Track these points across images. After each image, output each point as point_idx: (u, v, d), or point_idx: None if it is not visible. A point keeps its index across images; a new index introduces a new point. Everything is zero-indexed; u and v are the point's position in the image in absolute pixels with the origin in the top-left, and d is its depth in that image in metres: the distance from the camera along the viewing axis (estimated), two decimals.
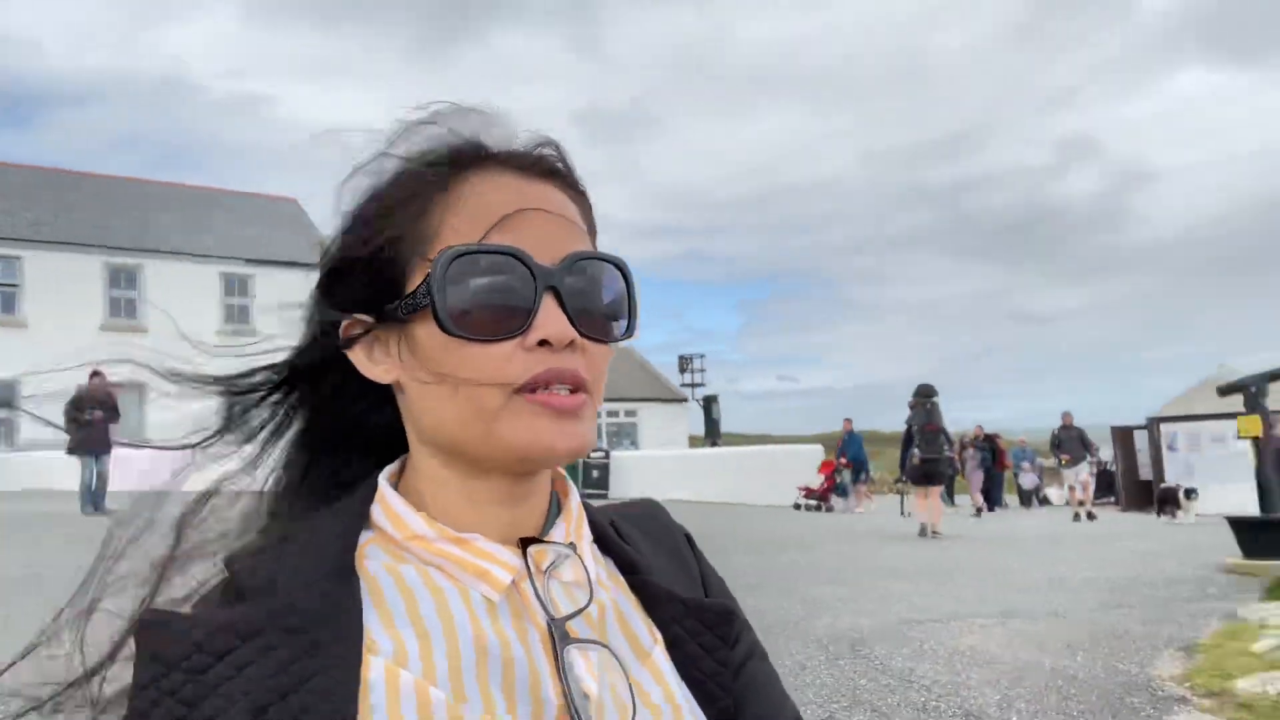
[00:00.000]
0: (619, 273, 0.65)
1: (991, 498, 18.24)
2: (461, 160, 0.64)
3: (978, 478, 15.86)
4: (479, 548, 0.62)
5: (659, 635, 0.67)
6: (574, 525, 0.68)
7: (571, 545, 0.65)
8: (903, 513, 14.30)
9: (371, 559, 0.62)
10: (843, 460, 16.74)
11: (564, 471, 0.71)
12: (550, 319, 0.59)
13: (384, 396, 0.67)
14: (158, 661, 0.54)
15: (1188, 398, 20.01)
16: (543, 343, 0.59)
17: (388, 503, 0.64)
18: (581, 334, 0.61)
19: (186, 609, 0.63)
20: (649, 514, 0.80)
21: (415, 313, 0.61)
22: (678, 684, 0.64)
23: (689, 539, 0.80)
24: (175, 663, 0.53)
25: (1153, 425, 18.23)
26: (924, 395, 12.28)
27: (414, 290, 0.61)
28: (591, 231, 0.69)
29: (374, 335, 0.64)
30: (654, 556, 0.73)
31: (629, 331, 0.66)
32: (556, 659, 0.59)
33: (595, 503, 0.74)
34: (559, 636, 0.60)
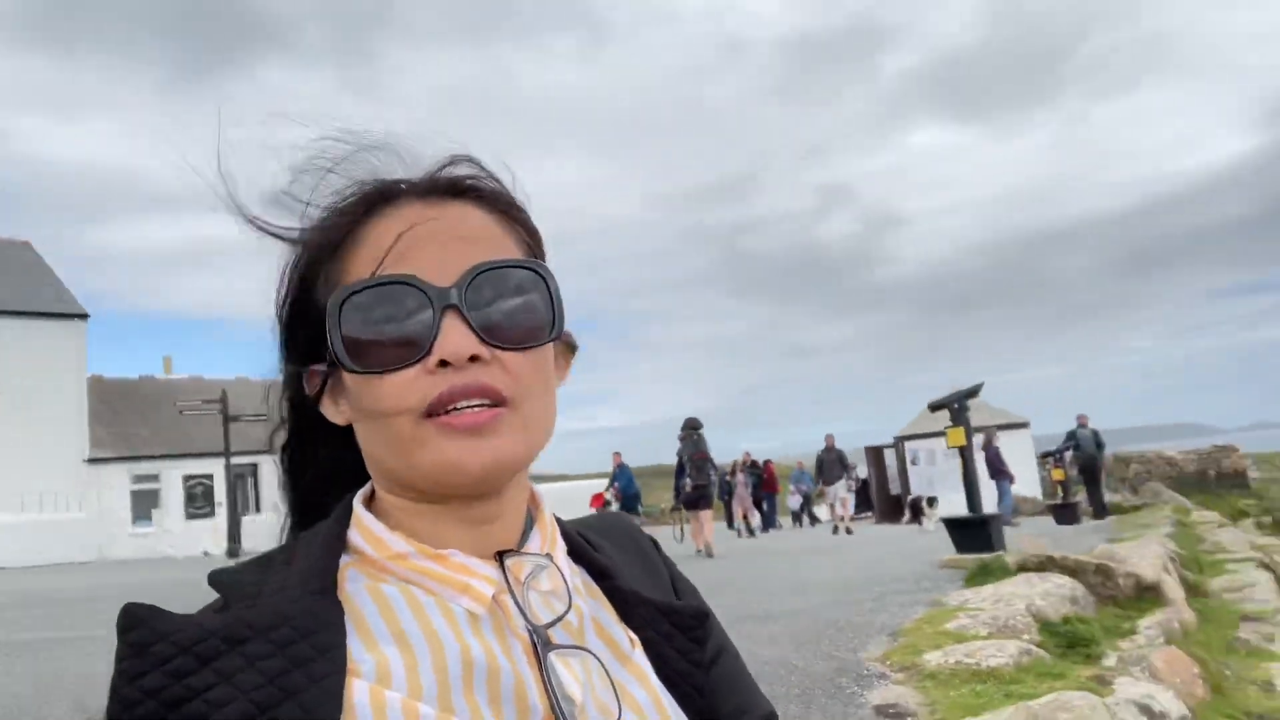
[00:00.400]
0: (535, 275, 0.64)
1: (767, 518, 19.42)
2: (367, 200, 0.65)
3: (748, 501, 16.85)
4: (458, 563, 0.62)
5: (636, 639, 0.68)
6: (549, 537, 0.68)
7: (548, 556, 0.65)
8: (677, 537, 14.97)
9: (351, 582, 0.61)
10: (612, 492, 17.24)
11: (532, 484, 0.70)
12: (448, 338, 0.59)
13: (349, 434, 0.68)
14: (139, 658, 0.53)
15: (927, 417, 22.36)
16: (444, 363, 0.59)
17: (364, 525, 0.64)
18: (492, 345, 0.60)
19: None
20: (614, 523, 0.82)
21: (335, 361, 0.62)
22: (659, 684, 0.65)
23: (655, 544, 0.81)
24: (158, 662, 0.52)
25: (898, 444, 20.26)
26: (691, 428, 13.10)
27: (327, 334, 0.62)
28: (523, 237, 0.68)
29: (333, 381, 0.65)
30: (624, 563, 0.74)
31: (553, 333, 0.64)
32: (540, 667, 0.60)
33: None
34: (541, 644, 0.61)
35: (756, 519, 18.31)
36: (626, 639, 0.67)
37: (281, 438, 0.73)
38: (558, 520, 0.73)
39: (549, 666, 0.60)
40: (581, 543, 0.72)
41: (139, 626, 0.54)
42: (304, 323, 0.66)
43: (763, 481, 19.47)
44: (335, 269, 0.64)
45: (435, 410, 0.59)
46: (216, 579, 0.62)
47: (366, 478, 0.68)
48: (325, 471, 0.72)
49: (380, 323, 0.60)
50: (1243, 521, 17.57)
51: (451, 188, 0.67)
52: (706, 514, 12.93)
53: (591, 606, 0.67)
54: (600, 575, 0.71)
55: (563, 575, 0.65)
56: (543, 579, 0.64)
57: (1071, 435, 15.94)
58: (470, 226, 0.65)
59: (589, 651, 0.63)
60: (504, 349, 0.61)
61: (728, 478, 14.58)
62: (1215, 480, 20.51)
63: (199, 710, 0.51)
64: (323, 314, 0.62)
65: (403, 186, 0.67)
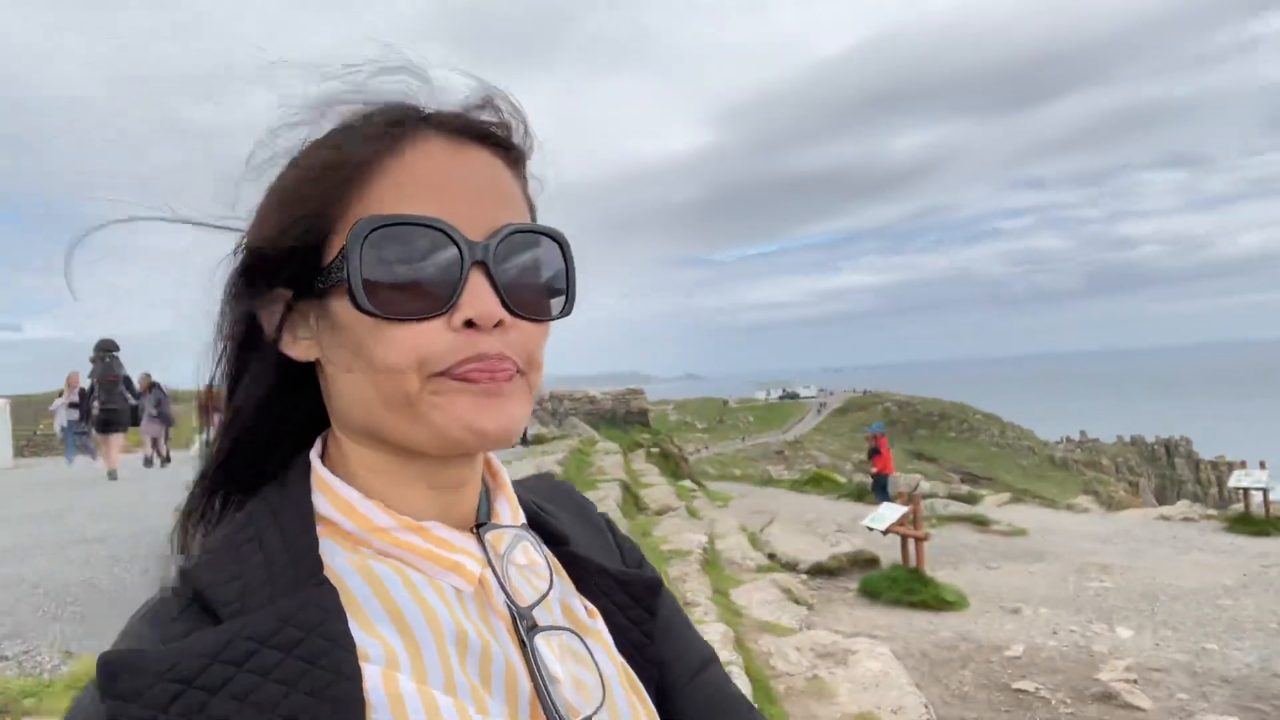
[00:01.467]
0: (557, 246, 0.62)
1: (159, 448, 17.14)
2: (391, 125, 0.59)
3: (154, 427, 15.18)
4: (439, 536, 0.60)
5: (594, 608, 0.67)
6: (515, 506, 0.66)
7: (524, 528, 0.65)
8: (70, 460, 13.93)
9: (331, 557, 0.58)
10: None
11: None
12: (477, 297, 0.56)
13: (303, 375, 0.63)
14: (139, 709, 0.46)
15: None
16: (469, 323, 0.56)
17: (338, 493, 0.60)
18: (513, 312, 0.58)
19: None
20: (558, 488, 0.79)
21: (333, 287, 0.57)
22: (617, 653, 0.65)
23: (594, 505, 0.80)
24: (162, 705, 0.47)
25: None
26: (104, 350, 11.95)
27: (331, 263, 0.57)
28: (528, 197, 0.65)
29: (295, 311, 0.60)
30: (574, 528, 0.73)
31: (567, 308, 0.62)
32: (523, 647, 0.59)
33: None
34: (527, 626, 0.60)
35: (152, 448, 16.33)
36: (584, 608, 0.67)
37: (208, 375, 0.64)
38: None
39: (535, 648, 0.59)
40: (535, 508, 0.72)
41: (123, 673, 0.47)
42: (284, 240, 0.59)
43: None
44: (346, 195, 0.58)
45: (452, 368, 0.56)
46: (192, 580, 0.55)
47: (311, 429, 0.65)
48: (268, 420, 0.64)
49: (402, 265, 0.56)
50: (636, 451, 21.28)
51: (485, 133, 0.63)
52: (116, 438, 11.96)
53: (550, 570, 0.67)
54: (555, 542, 0.70)
55: (541, 549, 0.65)
56: (519, 552, 0.64)
57: None
58: (499, 180, 0.61)
59: (571, 631, 0.62)
60: (524, 318, 0.59)
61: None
62: (624, 417, 24.75)
63: None
64: (316, 240, 0.58)
65: (428, 114, 0.61)
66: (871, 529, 9.33)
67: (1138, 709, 6.28)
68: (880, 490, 16.38)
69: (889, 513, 9.23)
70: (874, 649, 6.06)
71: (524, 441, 17.51)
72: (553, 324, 0.63)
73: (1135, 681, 6.75)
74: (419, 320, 0.56)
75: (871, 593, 9.21)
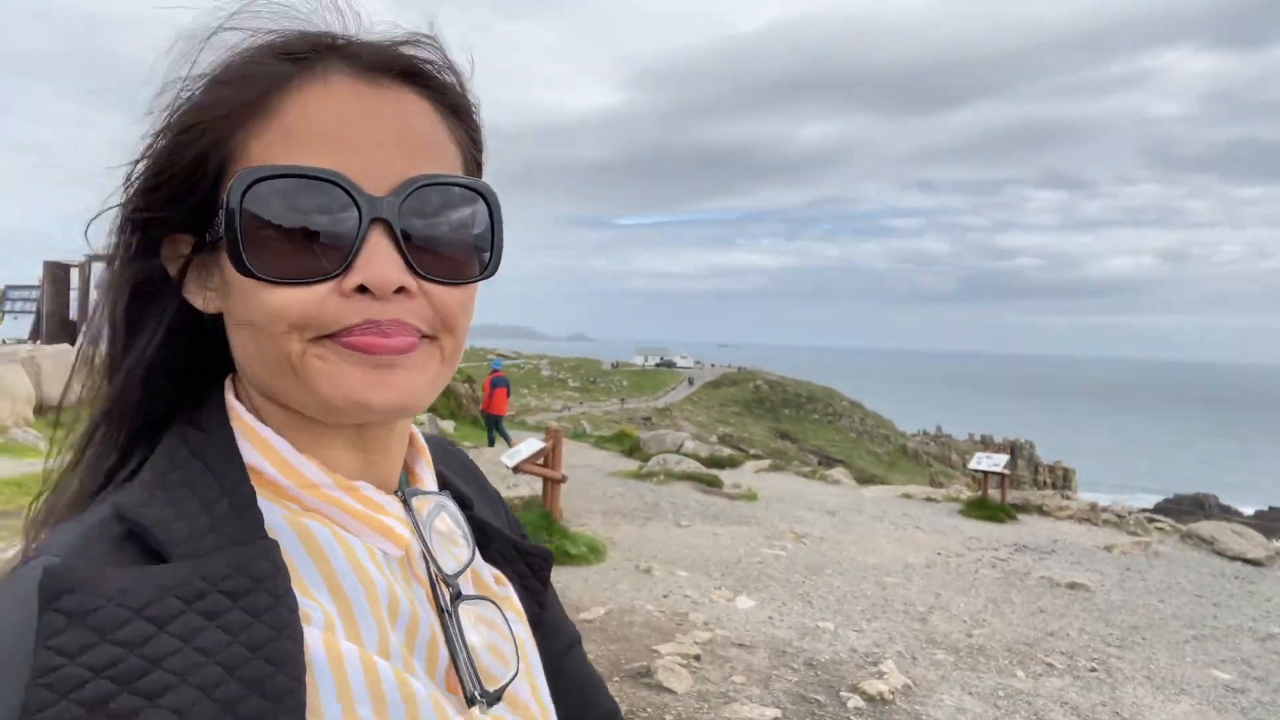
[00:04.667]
0: (482, 200, 0.57)
1: None
2: (294, 54, 0.54)
3: None
4: (370, 497, 0.58)
5: (501, 575, 0.68)
6: (433, 470, 0.66)
7: (446, 494, 0.64)
8: None
9: (267, 512, 0.55)
10: None
11: None
12: (375, 260, 0.52)
13: (211, 322, 0.59)
14: (80, 628, 0.43)
15: None
16: (362, 289, 0.52)
17: (267, 441, 0.57)
18: (421, 276, 0.54)
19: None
20: (450, 452, 0.77)
21: (220, 241, 0.53)
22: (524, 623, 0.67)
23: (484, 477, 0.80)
24: (104, 631, 0.44)
25: (87, 263, 17.98)
26: None
27: (215, 219, 0.53)
28: (467, 148, 0.60)
29: (198, 259, 0.56)
30: (475, 494, 0.73)
31: (489, 269, 0.58)
32: (442, 614, 0.59)
33: None
34: (452, 594, 0.60)
35: None
36: (492, 576, 0.67)
37: (100, 321, 0.59)
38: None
39: (458, 617, 0.59)
40: (441, 471, 0.70)
41: (73, 590, 0.44)
42: (176, 179, 0.54)
43: None
44: (239, 133, 0.53)
45: (338, 334, 0.52)
46: (134, 518, 0.51)
47: (215, 374, 0.61)
48: (170, 365, 0.59)
49: (290, 221, 0.51)
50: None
51: (406, 70, 0.56)
52: None
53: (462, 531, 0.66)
54: (462, 505, 0.68)
55: (459, 517, 0.64)
56: (440, 520, 0.63)
57: None
58: (414, 125, 0.55)
59: (491, 601, 0.62)
60: (434, 282, 0.54)
61: None
62: None
63: (161, 682, 0.44)
64: (209, 184, 0.54)
65: (339, 44, 0.56)
66: (508, 466, 8.03)
67: (668, 690, 5.20)
68: (493, 430, 16.63)
69: (525, 448, 7.94)
70: None
71: None
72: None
73: (697, 657, 5.69)
74: (305, 284, 0.51)
75: None
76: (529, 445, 7.92)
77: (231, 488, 0.54)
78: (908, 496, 14.16)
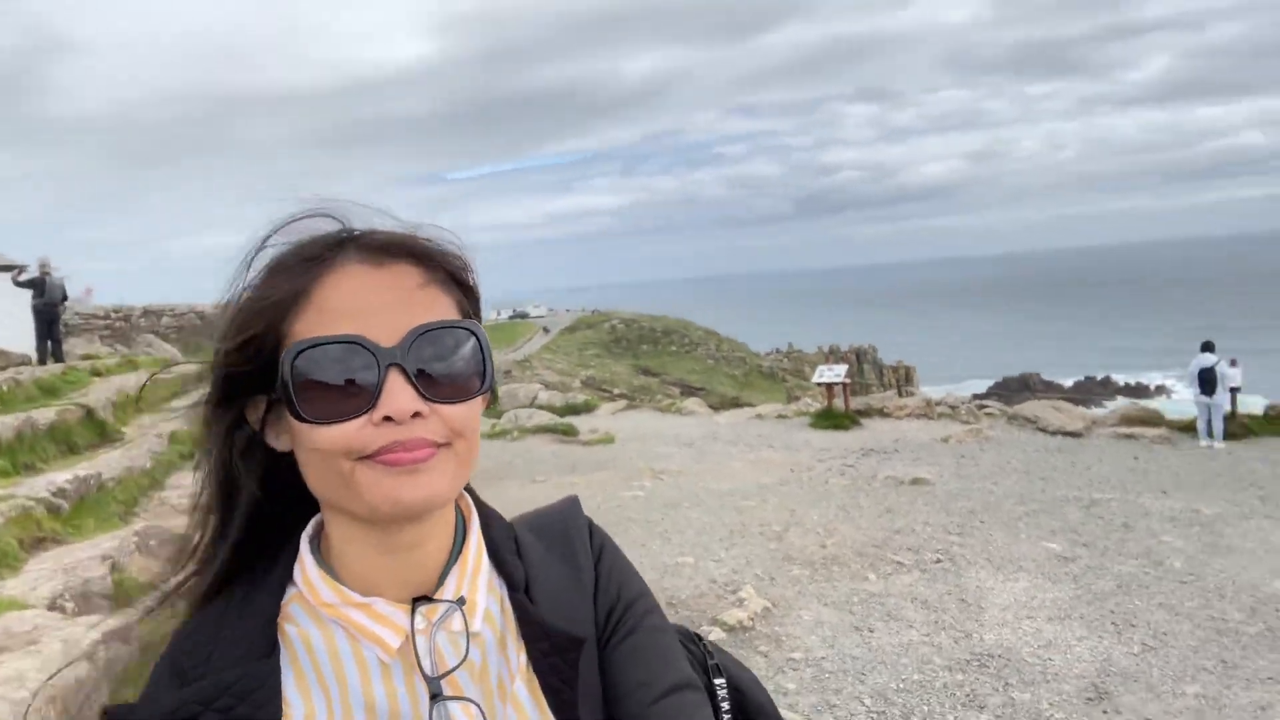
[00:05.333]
0: (471, 335, 0.69)
1: None
2: (310, 260, 0.69)
3: None
4: (377, 611, 0.69)
5: (523, 658, 0.73)
6: (470, 569, 0.74)
7: (460, 600, 0.71)
8: None
9: (292, 621, 0.71)
10: None
11: (469, 496, 0.79)
12: (394, 395, 0.64)
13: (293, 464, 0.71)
14: None
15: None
16: (388, 418, 0.64)
17: (305, 567, 0.72)
18: (431, 400, 0.66)
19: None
20: (556, 519, 0.84)
21: (281, 401, 0.67)
22: (534, 713, 0.72)
23: (592, 532, 0.84)
24: None
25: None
26: None
27: (278, 382, 0.67)
28: (458, 297, 0.72)
29: (272, 412, 0.70)
30: (546, 567, 0.79)
31: (484, 386, 0.70)
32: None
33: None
34: (432, 693, 0.68)
35: None
36: (517, 659, 0.73)
37: (209, 462, 0.74)
38: (495, 523, 0.79)
39: (442, 714, 0.68)
40: (507, 548, 0.78)
41: (118, 717, 0.67)
42: (251, 362, 0.68)
43: None
44: (286, 321, 0.67)
45: (374, 454, 0.65)
46: (171, 649, 0.71)
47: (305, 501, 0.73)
48: (262, 506, 0.74)
49: (329, 377, 0.65)
50: None
51: (400, 248, 0.70)
52: None
53: (501, 624, 0.74)
54: (514, 585, 0.76)
55: (465, 621, 0.71)
56: (454, 619, 0.71)
57: (37, 283, 14.10)
58: (412, 289, 0.69)
59: (471, 702, 0.70)
60: (442, 403, 0.66)
61: None
62: None
63: None
64: (271, 358, 0.67)
65: (355, 236, 0.71)
66: None
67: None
68: None
69: None
70: None
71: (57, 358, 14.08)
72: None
73: None
74: (345, 421, 0.65)
75: None
76: None
77: (258, 612, 0.71)
78: (760, 417, 14.44)
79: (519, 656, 0.73)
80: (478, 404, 0.69)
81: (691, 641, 0.91)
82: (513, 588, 0.76)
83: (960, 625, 5.60)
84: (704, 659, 0.90)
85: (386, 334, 0.65)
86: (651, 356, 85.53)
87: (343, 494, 0.66)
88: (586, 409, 16.02)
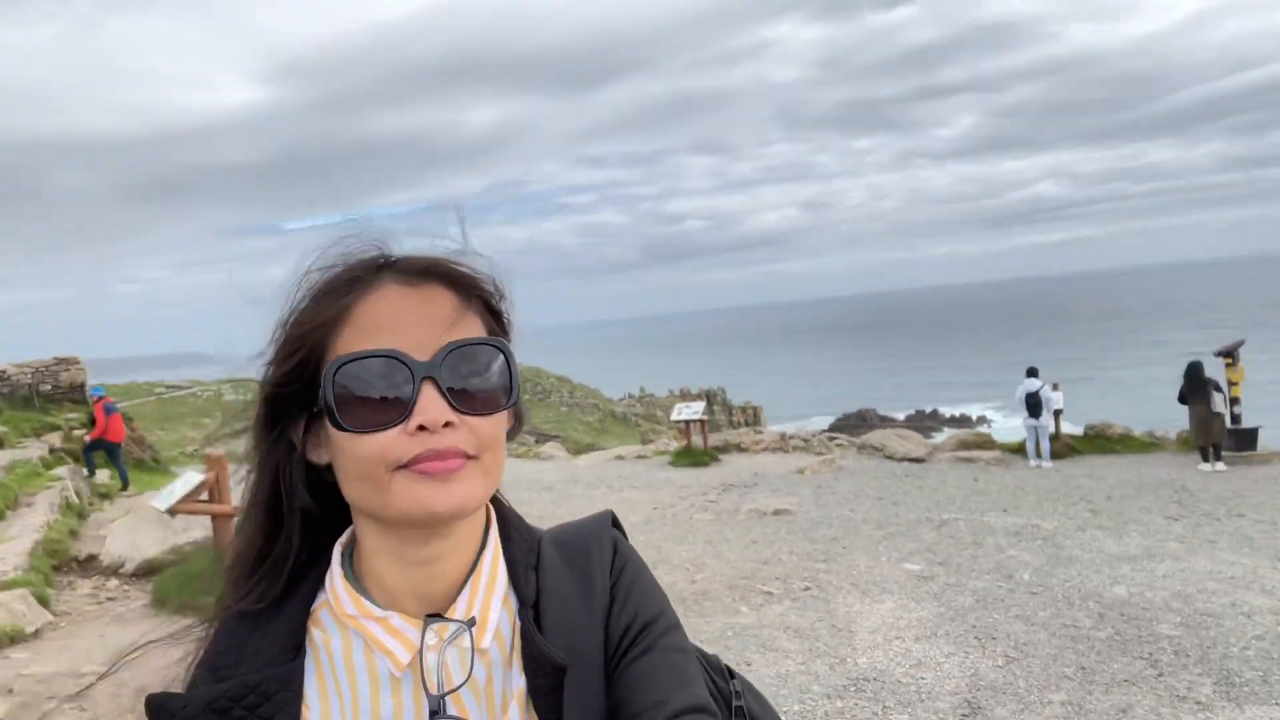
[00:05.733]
0: (499, 352, 0.73)
1: None
2: (352, 283, 0.73)
3: None
4: (393, 626, 0.73)
5: (523, 681, 0.75)
6: (483, 586, 0.76)
7: (471, 620, 0.74)
8: None
9: (320, 627, 0.76)
10: None
11: (495, 508, 0.82)
12: (427, 406, 0.68)
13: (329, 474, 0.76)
14: None
15: None
16: (421, 427, 0.68)
17: (333, 576, 0.77)
18: (462, 412, 0.69)
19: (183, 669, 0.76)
20: (581, 535, 0.85)
21: (322, 411, 0.71)
22: None
23: (616, 549, 0.84)
24: None
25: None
26: None
27: (319, 396, 0.71)
28: (487, 317, 0.77)
29: (313, 427, 0.74)
30: (561, 585, 0.80)
31: (510, 400, 0.74)
32: None
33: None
34: (431, 710, 0.71)
35: None
36: (518, 679, 0.75)
37: (256, 476, 0.78)
38: (520, 538, 0.81)
39: None
40: (525, 564, 0.80)
41: (160, 710, 0.71)
42: (296, 381, 0.73)
43: None
44: (328, 341, 0.72)
45: (410, 463, 0.68)
46: (214, 648, 0.75)
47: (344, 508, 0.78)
48: (305, 516, 0.78)
49: (368, 389, 0.68)
50: (49, 435, 16.61)
51: (435, 272, 0.74)
52: None
53: (510, 643, 0.76)
54: (523, 603, 0.78)
55: (471, 641, 0.74)
56: (465, 635, 0.73)
57: None
58: (445, 308, 0.73)
59: None
60: (472, 415, 0.70)
61: None
62: (49, 394, 19.41)
63: None
64: (313, 377, 0.72)
65: (392, 260, 0.75)
66: (161, 511, 6.71)
67: None
68: (99, 457, 13.80)
69: (180, 486, 6.68)
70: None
71: None
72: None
73: None
74: (382, 430, 0.68)
75: (161, 599, 6.67)
76: (184, 482, 6.68)
77: (288, 618, 0.76)
78: (620, 458, 14.31)
79: (520, 680, 0.75)
80: (504, 419, 0.74)
81: (720, 675, 0.90)
82: (523, 604, 0.78)
83: (834, 651, 5.58)
84: (729, 695, 0.89)
85: (421, 349, 0.70)
86: None
87: (378, 501, 0.70)
88: None
